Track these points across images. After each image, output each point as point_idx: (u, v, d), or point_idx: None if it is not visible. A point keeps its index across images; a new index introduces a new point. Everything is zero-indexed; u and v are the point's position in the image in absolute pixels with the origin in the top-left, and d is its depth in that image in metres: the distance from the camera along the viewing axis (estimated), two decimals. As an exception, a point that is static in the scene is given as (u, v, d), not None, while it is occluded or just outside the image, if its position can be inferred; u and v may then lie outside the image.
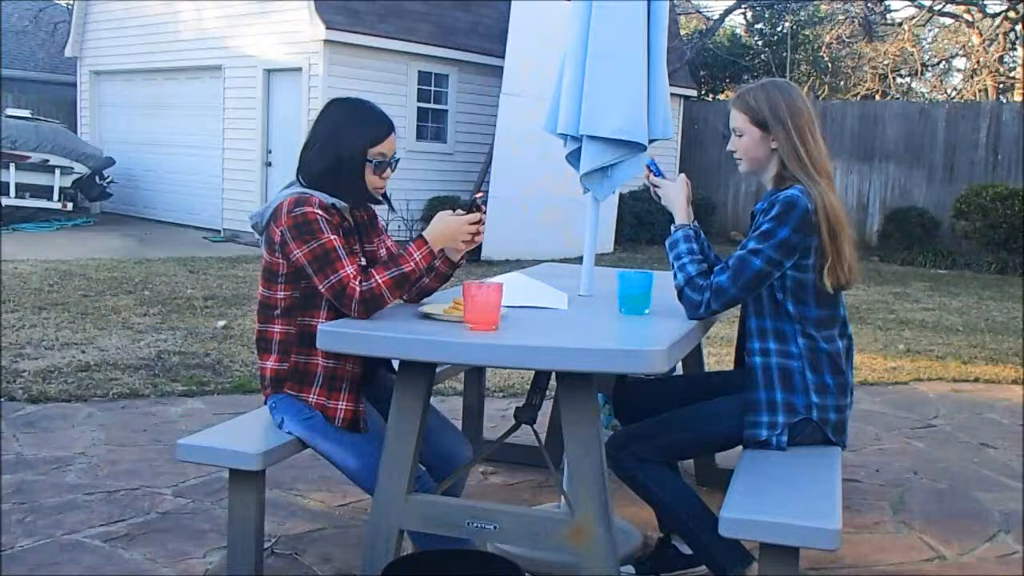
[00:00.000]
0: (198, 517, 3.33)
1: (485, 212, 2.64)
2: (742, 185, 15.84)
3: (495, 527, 2.38)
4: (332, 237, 2.51)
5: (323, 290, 2.49)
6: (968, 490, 3.94)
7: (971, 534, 3.45)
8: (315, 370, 2.62)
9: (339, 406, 2.61)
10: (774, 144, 2.66)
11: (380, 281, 2.45)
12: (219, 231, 13.25)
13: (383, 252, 2.81)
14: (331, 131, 2.64)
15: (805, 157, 2.62)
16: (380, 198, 2.73)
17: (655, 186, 2.78)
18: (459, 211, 2.66)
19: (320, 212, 2.53)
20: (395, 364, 2.74)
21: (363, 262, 2.61)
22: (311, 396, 2.62)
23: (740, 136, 2.71)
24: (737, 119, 2.70)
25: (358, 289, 2.44)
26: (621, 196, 13.35)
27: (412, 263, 2.51)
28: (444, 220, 2.61)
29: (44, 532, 3.14)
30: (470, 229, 2.61)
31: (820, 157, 2.64)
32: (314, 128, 2.68)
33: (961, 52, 23.68)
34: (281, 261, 2.58)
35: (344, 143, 2.61)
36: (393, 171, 2.71)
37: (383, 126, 2.66)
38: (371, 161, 2.63)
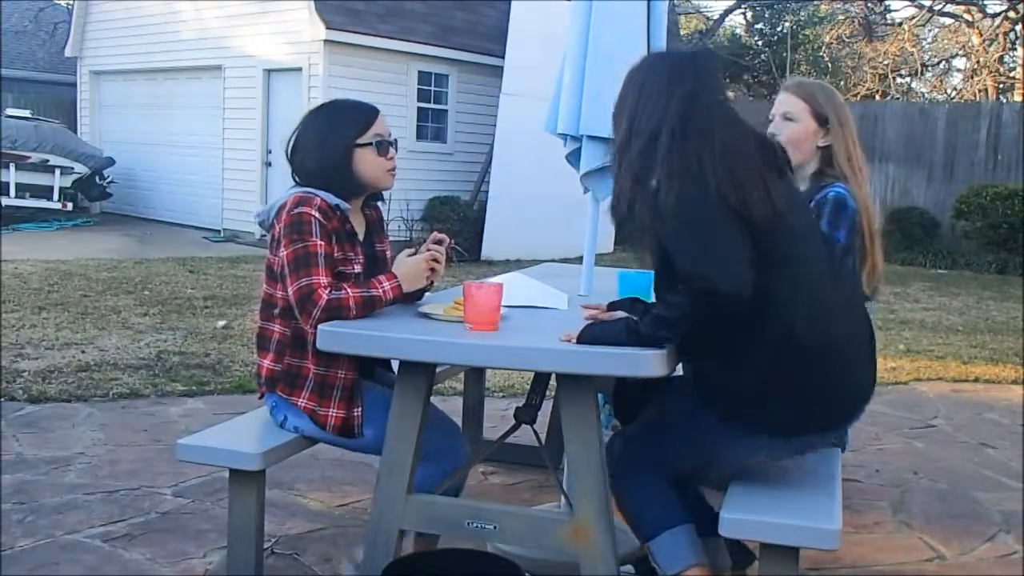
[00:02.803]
0: (198, 517, 3.33)
1: (447, 249, 2.67)
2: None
3: (495, 527, 2.38)
4: (319, 242, 2.50)
5: (291, 292, 2.47)
6: (968, 490, 3.94)
7: (971, 534, 3.45)
8: (307, 374, 2.61)
9: (330, 412, 2.60)
10: (825, 141, 2.68)
11: (350, 294, 2.45)
12: (219, 231, 13.24)
13: (390, 253, 2.82)
14: (317, 134, 2.64)
15: (856, 161, 2.67)
16: (387, 186, 2.71)
17: None
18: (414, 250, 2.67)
19: (316, 215, 2.52)
20: (394, 365, 2.74)
21: (357, 269, 2.60)
22: (300, 400, 2.62)
23: (791, 121, 2.71)
24: (795, 105, 2.71)
25: (325, 296, 2.43)
26: (621, 196, 13.33)
27: (380, 290, 2.50)
28: (404, 261, 2.60)
29: (44, 532, 3.14)
30: (428, 266, 2.61)
31: (862, 164, 2.69)
32: (298, 139, 2.67)
33: (961, 52, 23.68)
34: (278, 259, 2.58)
35: (331, 142, 2.61)
36: (396, 151, 2.71)
37: (367, 112, 2.67)
38: (370, 144, 2.62)
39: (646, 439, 2.43)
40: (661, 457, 2.39)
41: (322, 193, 2.59)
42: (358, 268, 2.60)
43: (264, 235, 2.70)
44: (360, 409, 2.62)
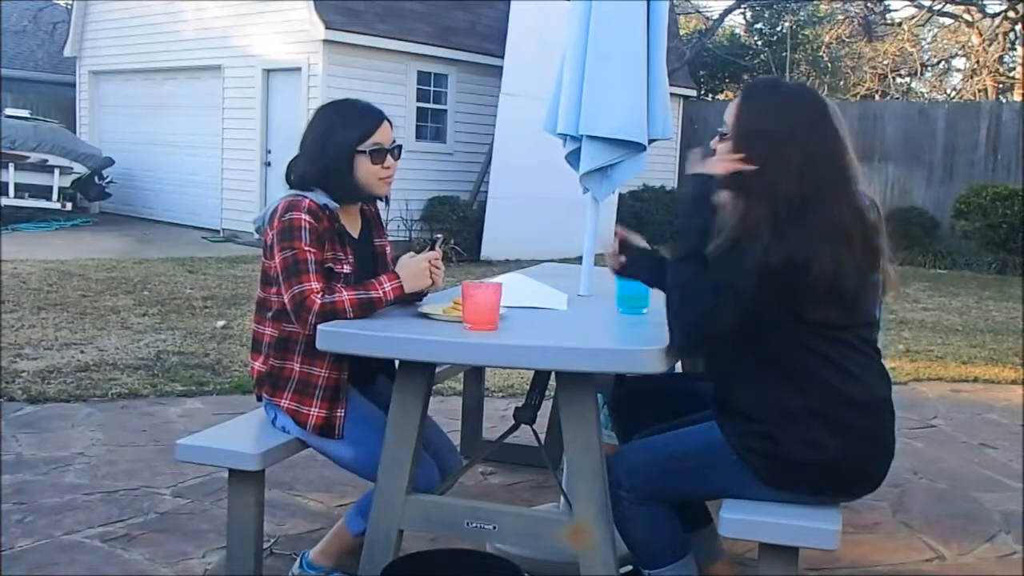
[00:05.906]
0: (197, 517, 3.32)
1: (442, 251, 2.67)
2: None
3: (495, 527, 2.37)
4: (308, 248, 2.50)
5: (286, 300, 2.48)
6: (968, 490, 3.94)
7: (971, 534, 3.45)
8: (289, 375, 2.62)
9: (311, 411, 2.60)
10: None
11: (346, 298, 2.45)
12: (218, 231, 13.24)
13: (389, 249, 2.82)
14: (319, 135, 2.64)
15: None
16: (381, 194, 2.71)
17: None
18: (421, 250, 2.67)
19: (307, 217, 2.53)
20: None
21: (347, 269, 2.60)
22: (283, 401, 2.62)
23: None
24: None
25: (319, 302, 2.44)
26: (621, 196, 13.34)
27: (381, 291, 2.50)
28: (407, 262, 2.59)
29: (43, 532, 3.14)
30: (430, 266, 2.60)
31: None
32: (305, 136, 2.67)
33: (961, 52, 23.69)
34: (272, 264, 2.59)
35: (333, 144, 2.61)
36: (396, 159, 2.70)
37: (372, 118, 2.66)
38: (365, 152, 2.62)
39: (660, 473, 2.37)
40: (675, 492, 2.38)
41: (311, 193, 2.59)
42: (347, 268, 2.60)
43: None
44: (343, 411, 2.61)
